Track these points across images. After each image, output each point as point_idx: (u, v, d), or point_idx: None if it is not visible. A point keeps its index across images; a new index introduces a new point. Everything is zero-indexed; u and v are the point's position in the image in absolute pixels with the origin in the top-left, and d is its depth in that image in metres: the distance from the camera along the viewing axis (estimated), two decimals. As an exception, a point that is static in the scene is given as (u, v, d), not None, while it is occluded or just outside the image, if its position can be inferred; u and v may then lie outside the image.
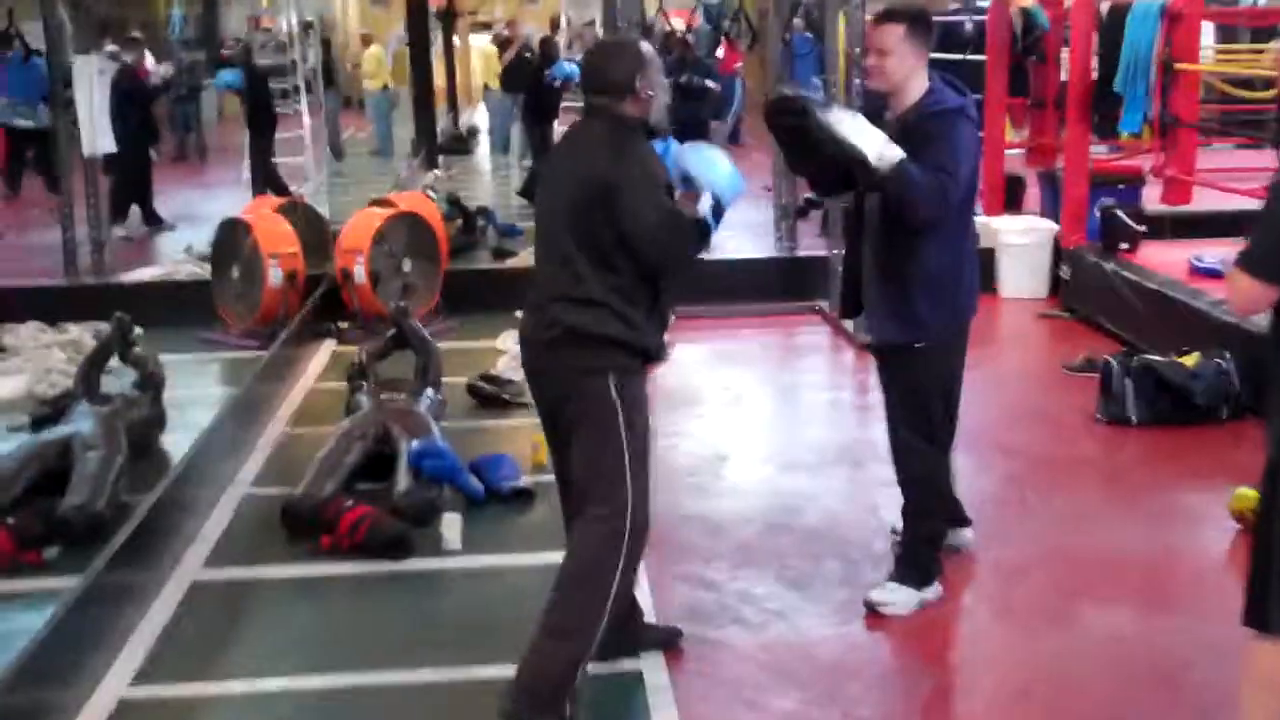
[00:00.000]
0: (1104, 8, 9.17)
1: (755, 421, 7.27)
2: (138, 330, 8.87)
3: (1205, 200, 9.35)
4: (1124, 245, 8.76)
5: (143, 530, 5.08)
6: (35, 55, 13.35)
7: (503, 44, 20.57)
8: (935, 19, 13.58)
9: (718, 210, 4.05)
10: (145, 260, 11.49)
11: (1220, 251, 8.05)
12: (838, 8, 9.67)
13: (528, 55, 16.21)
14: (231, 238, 9.01)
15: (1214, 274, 7.89)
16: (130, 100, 12.51)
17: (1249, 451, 6.42)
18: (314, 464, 5.83)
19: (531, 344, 4.13)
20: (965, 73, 10.88)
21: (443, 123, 20.55)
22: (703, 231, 4.00)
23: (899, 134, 4.59)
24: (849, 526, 5.58)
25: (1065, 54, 10.04)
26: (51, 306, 9.16)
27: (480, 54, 23.43)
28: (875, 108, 4.96)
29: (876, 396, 5.01)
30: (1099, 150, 10.14)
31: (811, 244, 10.36)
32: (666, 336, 8.17)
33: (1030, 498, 5.94)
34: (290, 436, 6.94)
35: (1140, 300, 8.04)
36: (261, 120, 13.69)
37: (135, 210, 13.03)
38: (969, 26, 12.54)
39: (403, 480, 5.71)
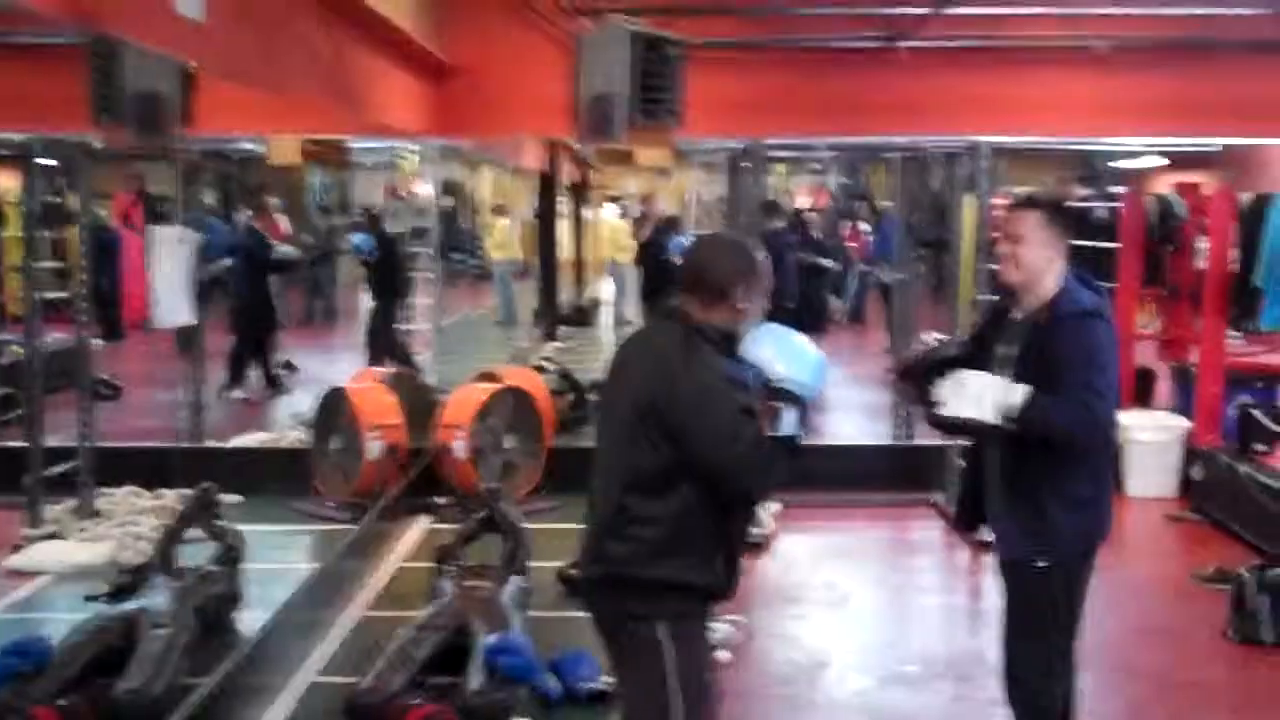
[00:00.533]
0: (1244, 197, 8.81)
1: (858, 625, 6.86)
2: (235, 498, 8.79)
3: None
4: (1260, 447, 8.26)
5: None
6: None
7: (637, 220, 20.82)
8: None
9: (802, 410, 3.59)
10: (257, 424, 11.44)
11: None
12: (964, 192, 9.43)
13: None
14: (333, 407, 8.88)
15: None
16: (254, 266, 12.66)
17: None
18: (385, 654, 5.54)
19: (582, 577, 3.81)
20: (1097, 260, 10.61)
21: (567, 294, 20.68)
22: (790, 448, 3.56)
23: (1029, 335, 4.26)
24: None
25: (1201, 243, 9.64)
26: (154, 469, 9.06)
27: (609, 227, 23.57)
28: (1001, 307, 4.62)
29: (991, 602, 4.61)
30: (1236, 340, 9.68)
31: (929, 433, 9.95)
32: (765, 529, 7.92)
33: (1154, 728, 5.44)
34: (370, 620, 6.66)
35: (1277, 506, 7.52)
36: (391, 287, 13.63)
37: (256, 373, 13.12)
38: (1102, 213, 12.16)
39: (475, 677, 5.38)
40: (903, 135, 9.10)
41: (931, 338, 4.61)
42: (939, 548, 8.31)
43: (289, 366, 14.03)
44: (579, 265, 22.72)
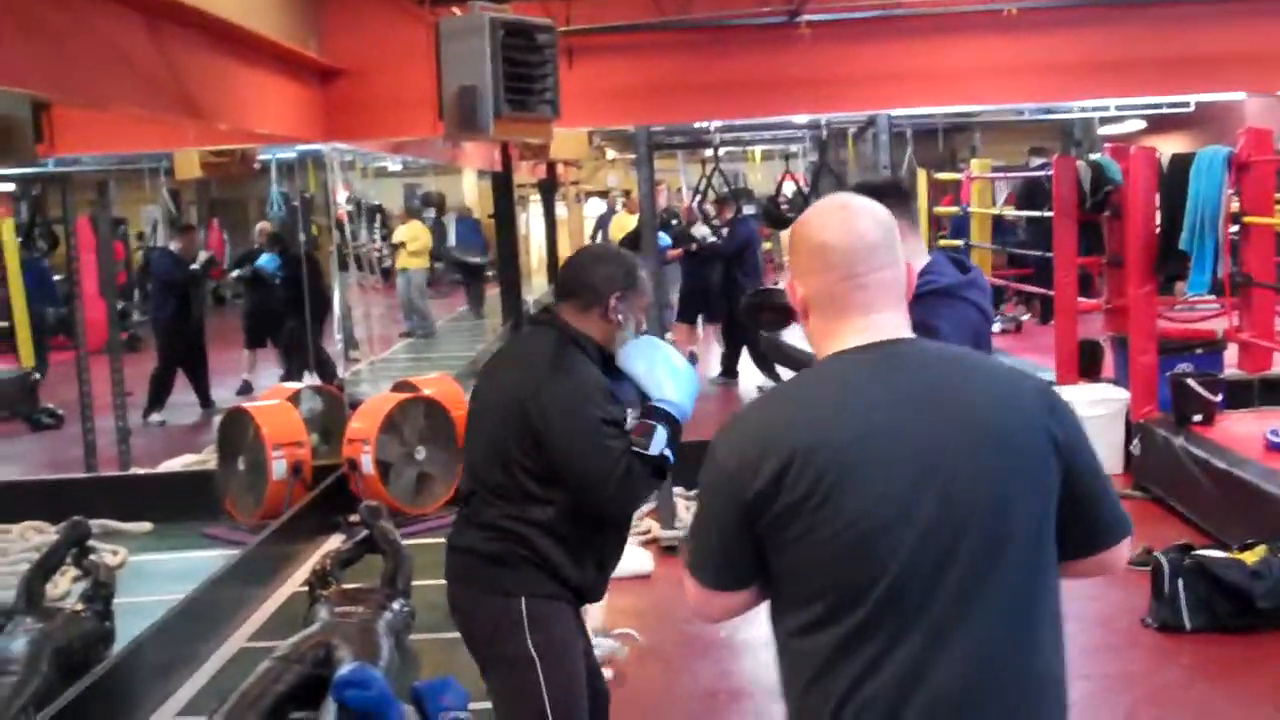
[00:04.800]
0: (1165, 158, 8.44)
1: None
2: (143, 526, 8.54)
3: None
4: (1197, 417, 7.87)
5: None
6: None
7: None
8: (1019, 175, 12.86)
9: (675, 430, 3.54)
10: (192, 448, 11.11)
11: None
12: (892, 166, 9.10)
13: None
14: (237, 427, 8.58)
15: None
16: (165, 288, 12.39)
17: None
18: (235, 694, 5.24)
19: (447, 576, 3.75)
20: (1047, 230, 10.24)
21: (542, 294, 20.40)
22: (657, 468, 3.51)
23: None
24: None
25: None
26: (64, 502, 8.75)
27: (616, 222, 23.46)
28: None
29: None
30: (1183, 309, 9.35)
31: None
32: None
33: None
34: (248, 651, 6.34)
35: (1210, 481, 7.17)
36: (303, 304, 13.00)
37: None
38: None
39: (326, 714, 5.09)
40: (807, 114, 8.76)
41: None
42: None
43: (246, 389, 13.61)
44: (553, 263, 22.42)
